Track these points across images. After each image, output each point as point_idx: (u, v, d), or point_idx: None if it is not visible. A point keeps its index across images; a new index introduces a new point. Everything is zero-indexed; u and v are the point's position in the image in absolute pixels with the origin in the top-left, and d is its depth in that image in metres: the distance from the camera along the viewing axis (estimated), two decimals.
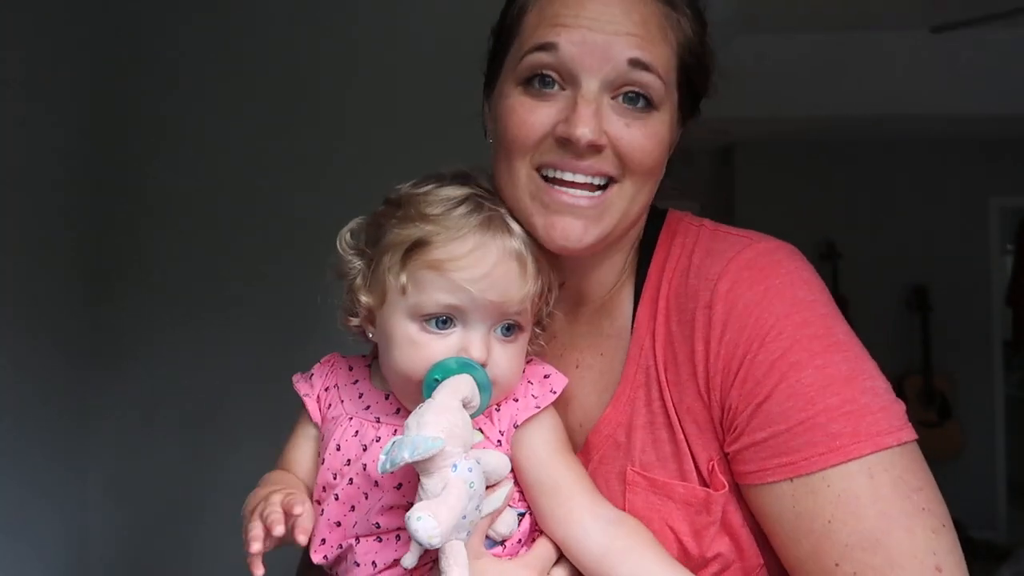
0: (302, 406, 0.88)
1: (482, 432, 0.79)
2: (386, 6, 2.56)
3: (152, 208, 2.56)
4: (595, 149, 0.76)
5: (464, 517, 0.69)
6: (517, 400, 0.82)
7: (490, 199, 0.82)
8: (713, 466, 0.77)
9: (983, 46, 3.76)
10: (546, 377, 0.84)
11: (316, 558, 0.82)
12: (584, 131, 0.74)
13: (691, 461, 0.79)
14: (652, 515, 0.79)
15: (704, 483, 0.78)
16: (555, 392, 0.82)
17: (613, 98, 0.77)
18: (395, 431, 0.79)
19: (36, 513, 2.28)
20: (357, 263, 0.83)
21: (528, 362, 0.85)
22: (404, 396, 0.82)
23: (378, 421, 0.82)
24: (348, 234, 0.85)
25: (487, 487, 0.76)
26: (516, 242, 0.79)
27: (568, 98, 0.77)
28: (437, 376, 0.75)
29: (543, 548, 0.80)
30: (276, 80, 2.55)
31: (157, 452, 2.57)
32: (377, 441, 0.80)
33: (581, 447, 0.86)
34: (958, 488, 2.31)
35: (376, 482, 0.78)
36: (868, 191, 4.99)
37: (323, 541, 0.81)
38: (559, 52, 0.76)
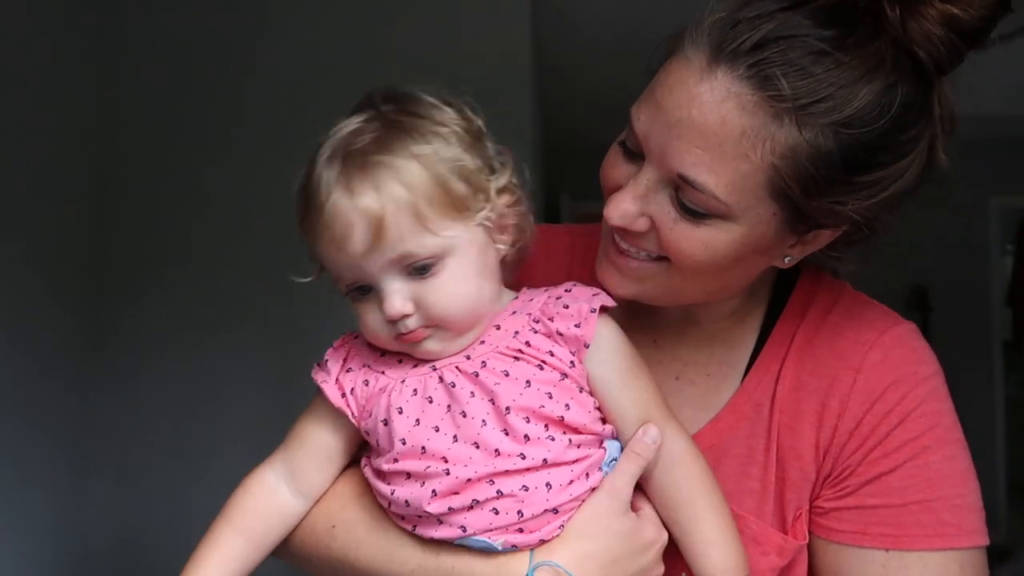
0: (319, 392, 0.81)
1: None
2: (389, 12, 2.56)
3: (153, 208, 2.56)
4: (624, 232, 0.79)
5: None
6: (569, 309, 0.76)
7: (381, 125, 0.72)
8: (801, 515, 0.80)
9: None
10: (595, 295, 0.78)
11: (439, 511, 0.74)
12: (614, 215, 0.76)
13: (772, 503, 0.81)
14: None
15: (780, 528, 0.81)
16: (602, 304, 0.77)
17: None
18: (457, 367, 0.74)
19: (36, 511, 2.27)
20: None
21: (575, 286, 0.79)
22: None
23: (434, 368, 0.75)
24: None
25: None
26: (368, 198, 0.68)
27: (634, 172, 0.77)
28: None
29: (625, 476, 0.76)
30: (280, 82, 2.55)
31: (157, 451, 2.57)
32: (453, 386, 0.73)
33: None
34: None
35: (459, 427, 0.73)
36: None
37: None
38: (639, 126, 0.75)
